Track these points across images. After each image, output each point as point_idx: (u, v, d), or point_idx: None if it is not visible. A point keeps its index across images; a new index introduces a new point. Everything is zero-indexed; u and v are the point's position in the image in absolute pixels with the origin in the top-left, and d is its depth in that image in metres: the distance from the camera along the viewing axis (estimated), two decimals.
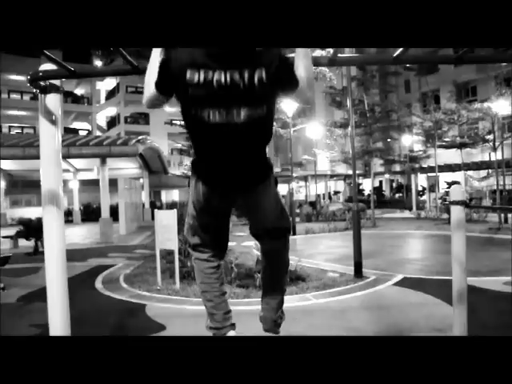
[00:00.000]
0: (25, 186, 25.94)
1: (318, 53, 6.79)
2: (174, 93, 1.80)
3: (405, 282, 6.72)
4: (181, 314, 5.34)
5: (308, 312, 5.19)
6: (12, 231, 13.11)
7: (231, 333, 2.11)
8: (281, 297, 2.25)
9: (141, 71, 1.97)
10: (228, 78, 1.63)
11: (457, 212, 3.36)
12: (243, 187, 1.89)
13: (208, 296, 2.16)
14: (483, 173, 25.07)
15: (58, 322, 2.32)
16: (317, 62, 2.11)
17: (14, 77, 36.98)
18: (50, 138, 2.28)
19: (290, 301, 5.53)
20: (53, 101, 2.25)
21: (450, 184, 20.37)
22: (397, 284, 6.66)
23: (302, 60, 1.77)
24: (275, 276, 2.24)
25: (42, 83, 2.15)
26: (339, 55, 2.04)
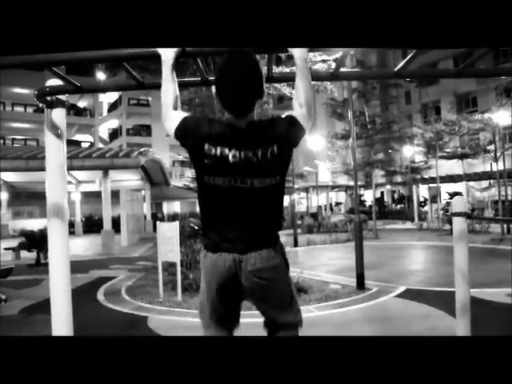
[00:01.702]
0: (27, 198, 26.00)
1: (320, 66, 6.85)
2: (188, 149, 1.83)
3: (407, 294, 6.69)
4: (183, 326, 5.32)
5: (310, 324, 5.15)
6: (14, 243, 13.11)
7: None
8: None
9: (146, 86, 2.01)
10: (243, 155, 1.70)
11: (459, 223, 3.37)
12: (254, 262, 1.79)
13: None
14: (485, 183, 25.06)
15: (62, 333, 2.33)
16: (319, 76, 2.15)
17: (18, 90, 37.31)
18: (55, 151, 2.31)
19: None
20: (58, 115, 2.29)
21: (451, 195, 20.35)
22: (399, 296, 6.63)
23: (301, 80, 1.84)
24: None
25: (48, 98, 2.19)
26: (341, 70, 2.07)
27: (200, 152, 1.73)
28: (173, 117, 1.85)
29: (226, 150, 1.70)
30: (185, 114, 1.86)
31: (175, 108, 1.88)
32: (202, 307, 2.06)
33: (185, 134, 1.81)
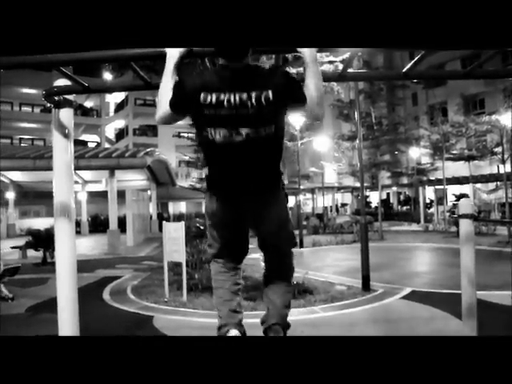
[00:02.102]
0: (34, 197, 26.14)
1: (326, 67, 6.83)
2: (187, 113, 1.86)
3: (413, 296, 6.66)
4: (188, 325, 5.33)
5: (315, 325, 5.15)
6: (21, 242, 13.19)
7: (234, 331, 2.03)
8: (286, 297, 2.19)
9: (153, 86, 2.02)
10: (237, 99, 1.70)
11: (466, 225, 3.36)
12: (254, 198, 1.91)
13: (218, 293, 2.15)
14: (492, 185, 24.90)
15: (68, 331, 2.35)
16: (326, 77, 2.14)
17: (25, 90, 37.56)
18: (62, 150, 2.33)
19: (298, 313, 5.51)
20: (66, 115, 2.30)
21: (458, 197, 20.24)
22: (405, 297, 6.60)
23: (312, 78, 1.81)
24: (279, 278, 2.21)
25: (56, 98, 2.21)
26: (349, 71, 2.07)
27: (197, 103, 1.73)
28: (167, 99, 1.83)
29: (222, 95, 1.70)
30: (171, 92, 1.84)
31: None
32: (211, 239, 2.18)
33: (179, 97, 1.80)
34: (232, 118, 1.72)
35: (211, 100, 1.71)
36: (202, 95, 1.72)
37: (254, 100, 1.70)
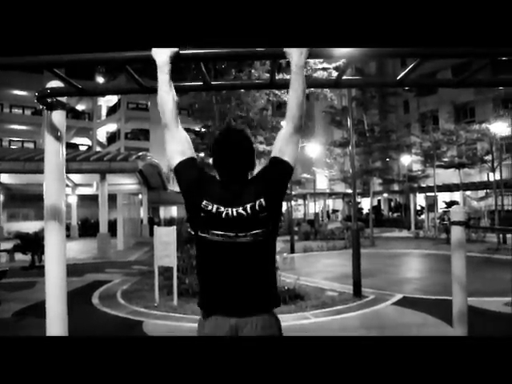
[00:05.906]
0: (22, 200, 25.87)
1: (320, 74, 6.87)
2: (184, 192, 1.92)
3: (404, 302, 6.68)
4: (178, 330, 5.29)
5: (306, 331, 5.14)
6: (9, 245, 13.03)
7: None
8: None
9: (148, 90, 2.00)
10: (235, 213, 1.78)
11: (457, 232, 3.38)
12: (250, 315, 1.78)
13: None
14: (481, 193, 25.14)
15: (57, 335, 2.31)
16: (322, 84, 2.15)
17: (16, 92, 37.29)
18: (54, 153, 2.30)
19: (289, 319, 5.49)
20: (58, 117, 2.28)
21: (448, 204, 20.37)
22: (396, 303, 6.62)
23: (295, 91, 1.84)
24: None
25: (48, 100, 2.18)
26: (344, 77, 2.07)
27: (198, 205, 1.82)
28: (174, 142, 1.92)
29: (222, 208, 1.79)
30: (187, 155, 1.90)
31: (176, 121, 1.89)
32: None
33: (184, 177, 1.90)
34: (229, 223, 1.79)
35: (211, 208, 1.79)
36: (204, 202, 1.80)
37: (249, 210, 1.79)
